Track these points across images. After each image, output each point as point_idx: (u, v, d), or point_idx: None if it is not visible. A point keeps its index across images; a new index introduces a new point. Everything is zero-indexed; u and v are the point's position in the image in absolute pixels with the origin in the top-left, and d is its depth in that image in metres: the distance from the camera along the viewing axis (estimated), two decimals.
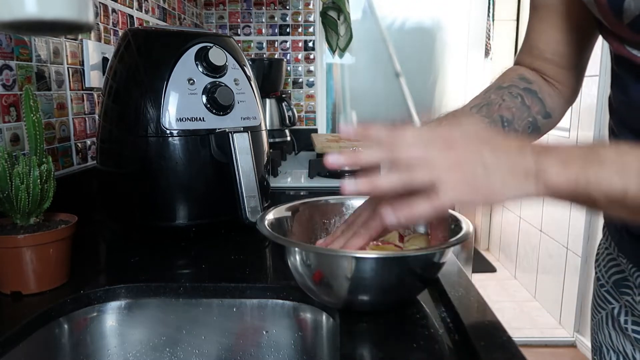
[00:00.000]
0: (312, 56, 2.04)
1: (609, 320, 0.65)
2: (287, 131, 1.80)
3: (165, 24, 1.48)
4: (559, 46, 0.62)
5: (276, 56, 2.04)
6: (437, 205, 0.40)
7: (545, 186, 0.39)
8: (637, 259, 0.58)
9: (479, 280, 2.84)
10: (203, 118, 0.79)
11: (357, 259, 0.49)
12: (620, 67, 0.55)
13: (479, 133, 0.43)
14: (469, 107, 0.63)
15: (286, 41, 2.03)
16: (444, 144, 0.41)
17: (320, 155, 1.47)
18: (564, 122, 2.65)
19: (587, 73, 0.67)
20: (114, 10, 1.13)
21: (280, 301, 0.63)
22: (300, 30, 2.02)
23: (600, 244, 0.70)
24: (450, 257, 0.66)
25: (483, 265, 3.10)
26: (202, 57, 0.79)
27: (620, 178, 0.37)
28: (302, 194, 1.15)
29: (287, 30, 2.02)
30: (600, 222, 0.70)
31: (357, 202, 0.62)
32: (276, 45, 2.03)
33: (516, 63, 0.68)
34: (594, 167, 0.38)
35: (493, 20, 2.69)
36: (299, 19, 2.01)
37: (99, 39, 1.06)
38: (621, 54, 0.52)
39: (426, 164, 0.40)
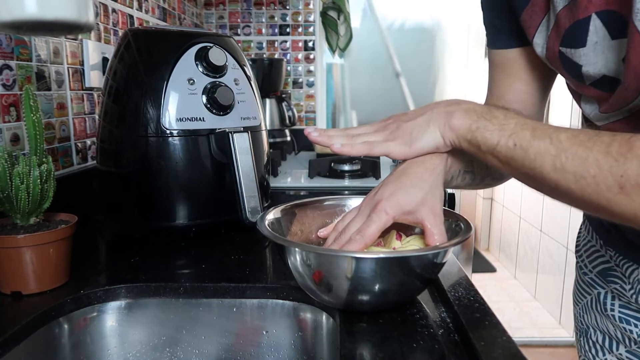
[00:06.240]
0: (312, 56, 2.05)
1: (593, 303, 0.68)
2: (287, 131, 1.80)
3: (165, 24, 1.48)
4: (524, 95, 0.65)
5: (276, 56, 2.04)
6: (372, 149, 0.55)
7: (450, 127, 0.51)
8: (626, 253, 0.61)
9: (479, 280, 2.84)
10: (203, 118, 0.79)
11: (357, 259, 0.49)
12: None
13: (416, 108, 0.57)
14: None
15: (286, 41, 2.03)
16: (381, 120, 0.57)
17: (320, 155, 1.47)
18: (564, 123, 2.62)
19: None
20: (114, 10, 1.13)
21: (280, 301, 0.63)
22: (300, 30, 2.02)
23: (580, 237, 0.74)
24: (450, 257, 0.66)
25: (483, 265, 3.10)
26: (202, 57, 0.79)
27: (497, 132, 0.48)
28: (302, 194, 1.15)
29: (287, 30, 2.02)
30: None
31: (357, 203, 0.62)
32: (276, 45, 2.03)
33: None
34: (483, 120, 0.49)
35: None
36: (299, 19, 2.01)
37: (99, 39, 1.06)
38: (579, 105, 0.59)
39: (366, 134, 0.56)
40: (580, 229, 0.74)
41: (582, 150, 0.41)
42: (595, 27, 0.48)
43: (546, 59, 0.57)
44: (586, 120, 0.59)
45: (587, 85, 0.53)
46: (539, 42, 0.56)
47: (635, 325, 0.60)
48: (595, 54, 0.49)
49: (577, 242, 0.74)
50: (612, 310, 0.64)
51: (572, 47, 0.51)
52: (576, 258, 0.73)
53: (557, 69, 0.57)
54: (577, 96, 0.59)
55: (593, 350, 0.68)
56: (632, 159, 0.39)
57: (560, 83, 0.66)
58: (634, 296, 0.60)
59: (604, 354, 0.66)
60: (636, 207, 0.39)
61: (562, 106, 2.28)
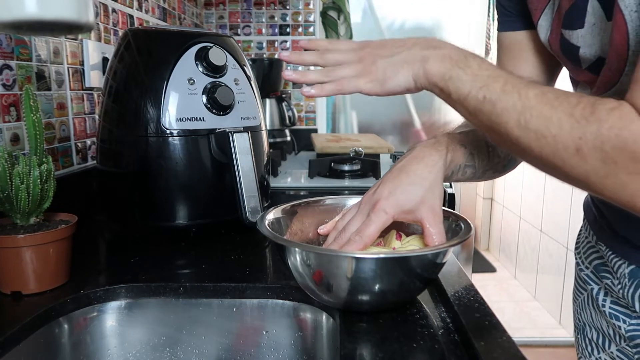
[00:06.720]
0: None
1: (589, 300, 0.68)
2: (287, 131, 1.80)
3: (165, 24, 1.48)
4: (532, 78, 0.64)
5: (276, 56, 2.04)
6: (342, 87, 0.52)
7: (424, 72, 0.50)
8: (615, 247, 0.61)
9: (479, 280, 2.84)
10: (203, 118, 0.79)
11: (357, 259, 0.49)
12: None
13: (391, 39, 0.54)
14: (458, 129, 0.65)
15: (286, 41, 2.03)
16: (359, 46, 0.54)
17: (320, 155, 1.47)
18: None
19: None
20: (114, 10, 1.13)
21: (280, 301, 0.63)
22: (300, 30, 2.02)
23: (580, 234, 0.74)
24: (450, 257, 0.66)
25: (483, 265, 3.10)
26: (202, 57, 0.79)
27: (470, 83, 0.47)
28: (302, 194, 1.15)
29: (287, 30, 2.02)
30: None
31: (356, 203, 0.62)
32: (276, 45, 2.03)
33: None
34: (457, 69, 0.48)
35: (493, 20, 2.69)
36: (299, 19, 2.01)
37: (99, 39, 1.06)
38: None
39: (341, 63, 0.53)
40: (581, 228, 0.74)
41: (547, 109, 0.42)
42: (593, 8, 0.48)
43: (548, 42, 0.57)
44: None
45: (583, 70, 0.53)
46: (544, 24, 0.57)
47: (624, 322, 0.61)
48: (593, 36, 0.50)
49: (577, 240, 0.75)
50: (604, 306, 0.64)
51: (571, 28, 0.51)
52: (575, 257, 0.74)
53: (556, 54, 0.57)
54: (575, 84, 0.59)
55: (589, 348, 0.68)
56: (593, 122, 0.39)
57: (561, 78, 0.66)
58: (621, 291, 0.60)
59: (598, 352, 0.67)
60: (589, 169, 0.41)
61: None
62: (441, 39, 0.52)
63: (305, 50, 0.58)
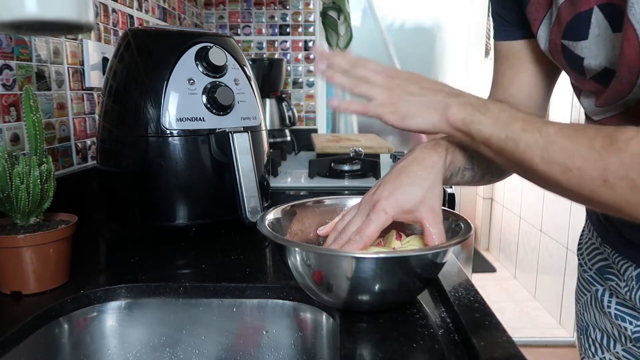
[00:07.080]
0: (312, 56, 2.04)
1: (592, 301, 0.68)
2: (287, 131, 1.80)
3: (165, 24, 1.48)
4: (530, 87, 0.65)
5: (276, 56, 2.04)
6: (367, 110, 0.55)
7: (446, 118, 0.53)
8: (620, 249, 0.61)
9: (479, 280, 2.84)
10: (203, 118, 0.79)
11: (357, 259, 0.49)
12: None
13: (419, 75, 0.57)
14: None
15: (286, 41, 2.03)
16: (390, 74, 0.56)
17: (320, 155, 1.47)
18: (564, 119, 2.61)
19: None
20: (114, 10, 1.13)
21: (280, 301, 0.63)
22: (300, 30, 2.02)
23: (582, 235, 0.74)
24: (450, 257, 0.66)
25: (483, 265, 3.10)
26: (202, 57, 0.80)
27: (491, 126, 0.49)
28: (302, 194, 1.15)
29: (287, 30, 2.02)
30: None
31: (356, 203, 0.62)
32: (276, 45, 2.03)
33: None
34: (478, 114, 0.50)
35: None
36: (299, 19, 2.01)
37: (99, 39, 1.06)
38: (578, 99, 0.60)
39: (370, 83, 0.56)
40: (584, 229, 0.74)
41: (568, 143, 0.43)
42: (597, 19, 0.48)
43: (549, 52, 0.57)
44: (586, 116, 0.60)
45: (588, 79, 0.53)
46: (543, 34, 0.57)
47: (630, 323, 0.61)
48: (598, 47, 0.50)
49: (579, 241, 0.74)
50: (609, 307, 0.64)
51: (574, 39, 0.51)
52: (578, 257, 0.74)
53: (559, 63, 0.57)
54: (578, 91, 0.59)
55: (592, 348, 0.68)
56: (613, 152, 0.40)
57: (561, 79, 0.66)
58: (628, 293, 0.60)
59: (602, 352, 0.67)
60: (618, 198, 0.41)
61: (563, 102, 2.27)
62: (463, 90, 0.55)
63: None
